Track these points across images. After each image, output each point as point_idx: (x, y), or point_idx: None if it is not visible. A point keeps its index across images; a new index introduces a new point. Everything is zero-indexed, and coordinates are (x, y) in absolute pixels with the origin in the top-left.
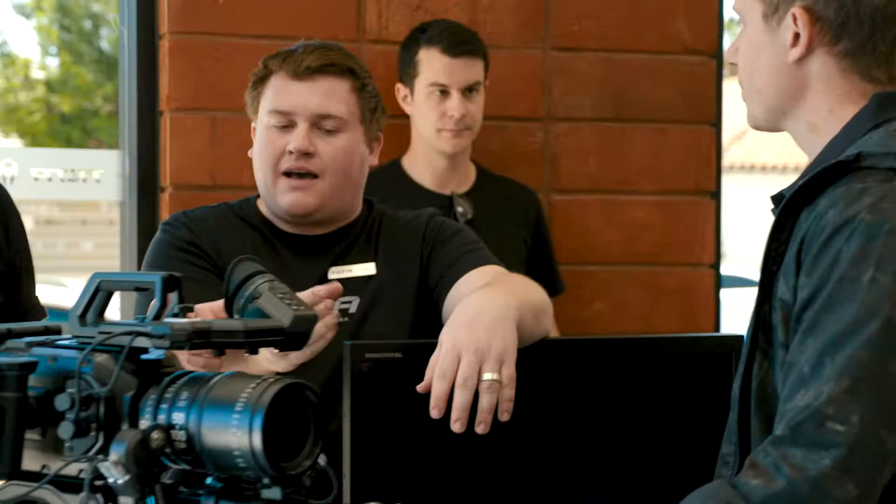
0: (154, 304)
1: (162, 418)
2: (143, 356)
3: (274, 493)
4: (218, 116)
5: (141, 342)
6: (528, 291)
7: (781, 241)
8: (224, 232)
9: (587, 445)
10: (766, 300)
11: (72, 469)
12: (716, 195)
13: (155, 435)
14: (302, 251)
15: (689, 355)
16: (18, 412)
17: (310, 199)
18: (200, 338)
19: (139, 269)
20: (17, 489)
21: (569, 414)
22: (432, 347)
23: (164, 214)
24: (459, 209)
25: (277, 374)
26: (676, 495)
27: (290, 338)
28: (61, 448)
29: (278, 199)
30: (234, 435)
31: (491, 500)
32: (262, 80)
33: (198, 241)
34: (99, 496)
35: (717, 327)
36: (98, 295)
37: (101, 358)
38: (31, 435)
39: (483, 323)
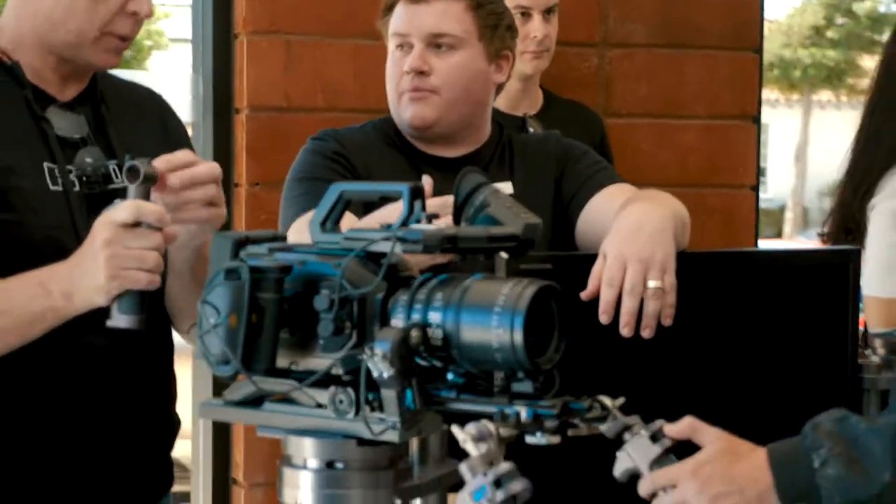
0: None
1: (417, 318)
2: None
3: (526, 386)
4: (293, 40)
5: (384, 246)
6: (676, 205)
7: None
8: (371, 150)
9: (723, 354)
10: None
11: (321, 365)
12: (757, 120)
13: (414, 333)
14: (442, 171)
15: (809, 267)
16: (277, 312)
17: (427, 110)
18: (449, 243)
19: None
20: (252, 386)
21: (702, 323)
22: (580, 259)
23: (240, 136)
24: (531, 130)
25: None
26: (802, 403)
27: (521, 244)
28: (309, 346)
29: (402, 114)
30: (495, 333)
31: (650, 402)
32: (389, 9)
33: (346, 155)
34: (350, 390)
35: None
36: (338, 205)
37: (350, 262)
38: (282, 334)
39: (645, 234)
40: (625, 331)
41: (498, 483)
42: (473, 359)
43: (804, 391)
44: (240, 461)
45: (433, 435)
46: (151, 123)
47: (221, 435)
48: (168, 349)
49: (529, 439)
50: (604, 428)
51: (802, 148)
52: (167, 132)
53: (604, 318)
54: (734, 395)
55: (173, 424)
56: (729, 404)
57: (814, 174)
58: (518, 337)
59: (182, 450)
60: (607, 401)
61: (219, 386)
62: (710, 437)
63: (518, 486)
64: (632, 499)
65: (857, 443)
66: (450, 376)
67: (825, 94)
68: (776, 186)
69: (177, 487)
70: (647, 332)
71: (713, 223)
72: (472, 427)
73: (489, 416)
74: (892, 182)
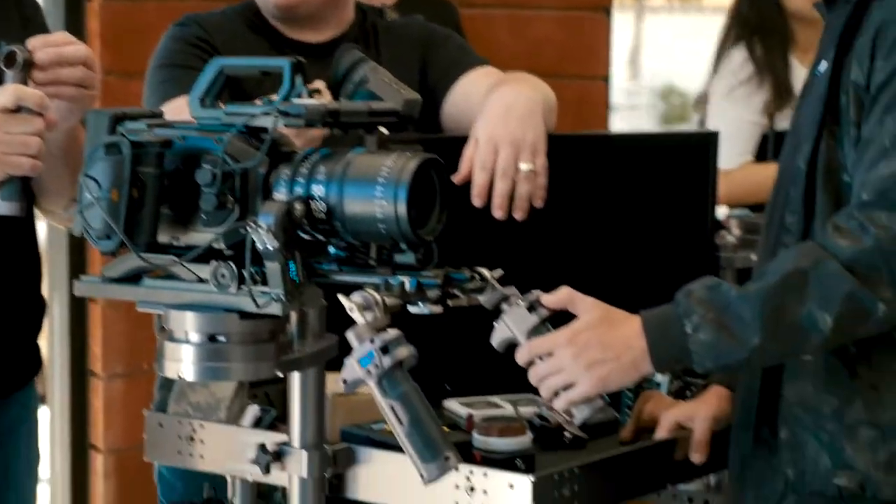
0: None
1: (300, 191)
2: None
3: (408, 258)
4: None
5: (266, 121)
6: (543, 87)
7: (851, 29)
8: (235, 35)
9: (593, 231)
10: (835, 84)
11: (203, 240)
12: (608, 12)
13: (297, 206)
14: (307, 56)
15: (670, 149)
16: (158, 187)
17: None
18: (332, 118)
19: None
20: (134, 262)
21: (571, 204)
22: (450, 142)
23: (93, 25)
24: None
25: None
26: (667, 278)
27: (402, 119)
28: (191, 222)
29: None
30: (379, 205)
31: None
32: None
33: (209, 40)
34: (231, 264)
35: None
36: (218, 80)
37: (231, 137)
38: (163, 210)
39: (515, 116)
40: (498, 213)
41: (385, 349)
42: (357, 231)
43: (668, 268)
44: (98, 352)
45: (312, 310)
46: (9, 14)
47: (78, 327)
48: (32, 229)
49: (413, 309)
50: (483, 298)
51: (635, 51)
52: (27, 20)
53: (477, 201)
54: (606, 269)
55: (41, 306)
56: (602, 278)
57: (646, 77)
58: (402, 208)
59: None
60: (486, 272)
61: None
62: (586, 307)
63: (404, 351)
64: (509, 367)
65: (727, 309)
66: (331, 250)
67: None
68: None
69: None
70: (519, 214)
71: (566, 114)
72: (357, 296)
73: (373, 287)
74: (726, 63)
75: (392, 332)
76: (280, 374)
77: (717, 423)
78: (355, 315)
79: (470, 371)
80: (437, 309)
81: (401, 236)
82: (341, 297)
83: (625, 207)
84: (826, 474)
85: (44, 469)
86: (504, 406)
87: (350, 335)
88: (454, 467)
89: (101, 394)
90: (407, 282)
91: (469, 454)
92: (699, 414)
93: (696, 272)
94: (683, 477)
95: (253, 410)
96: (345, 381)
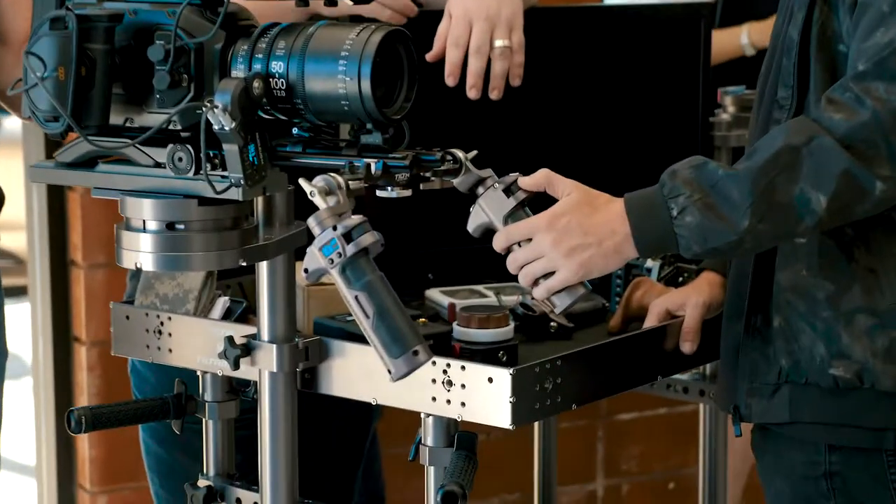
0: None
1: (259, 68)
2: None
3: (375, 138)
4: None
5: None
6: None
7: None
8: None
9: (576, 110)
10: None
11: (157, 121)
12: None
13: (255, 83)
14: None
15: (660, 21)
16: (108, 65)
17: None
18: None
19: None
20: (89, 146)
21: (552, 82)
22: (423, 17)
23: None
24: None
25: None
26: (655, 159)
27: None
28: (145, 102)
29: None
30: (342, 81)
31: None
32: None
33: None
34: (189, 147)
35: None
36: None
37: (184, 10)
38: (115, 89)
39: None
40: (472, 93)
41: (348, 236)
42: (319, 110)
43: (657, 148)
44: (77, 242)
45: (279, 195)
46: None
47: (56, 217)
48: None
49: (380, 193)
50: (456, 181)
51: None
52: None
53: (450, 80)
54: (591, 151)
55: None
56: (586, 160)
57: None
58: (366, 85)
59: (16, 241)
60: (459, 153)
61: None
62: (566, 189)
63: (369, 238)
64: (494, 254)
65: (715, 189)
66: (295, 131)
67: None
68: None
69: (13, 280)
70: (495, 94)
71: None
72: (319, 179)
73: (338, 170)
74: None
75: (355, 218)
76: (244, 264)
77: (708, 311)
78: (316, 200)
79: (453, 259)
80: (406, 192)
81: (366, 115)
82: (302, 182)
83: (611, 85)
84: (821, 364)
85: (27, 362)
86: (487, 295)
87: (311, 222)
88: (424, 362)
89: (83, 284)
90: (373, 164)
91: (449, 346)
92: (690, 301)
93: (687, 152)
94: (674, 368)
95: (222, 302)
96: (306, 271)
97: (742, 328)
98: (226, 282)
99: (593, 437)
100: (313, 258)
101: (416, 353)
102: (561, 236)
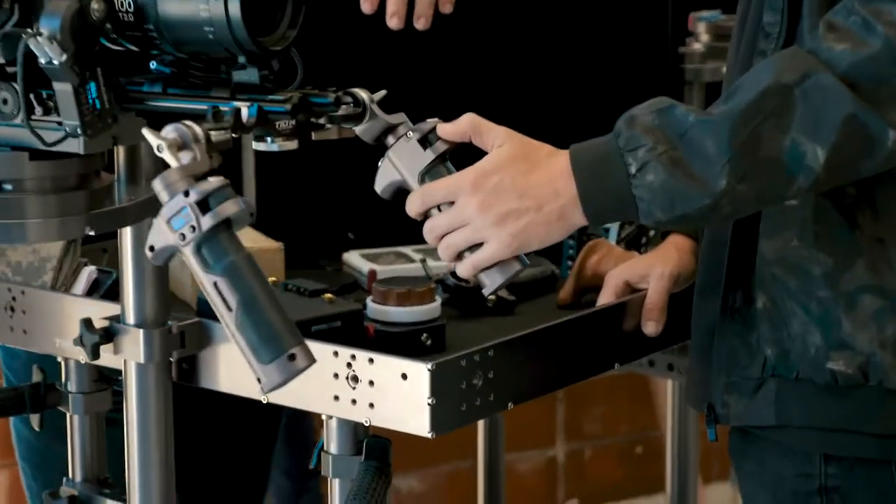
0: None
1: None
2: None
3: (250, 74)
4: None
5: None
6: None
7: None
8: None
9: (518, 43)
10: None
11: None
12: None
13: (95, 5)
14: None
15: None
16: None
17: None
18: None
19: None
20: None
21: (489, 8)
22: None
23: None
24: None
25: None
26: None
27: None
28: None
29: None
30: (204, 2)
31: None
32: None
33: None
34: (15, 86)
35: None
36: None
37: None
38: None
39: None
40: (392, 21)
41: (204, 204)
42: (178, 39)
43: (614, 86)
44: None
45: (145, 145)
46: None
47: None
48: None
49: (257, 145)
50: (359, 129)
51: None
52: None
53: (366, 5)
54: (528, 90)
55: None
56: (521, 103)
57: None
58: (234, 6)
59: None
60: (363, 94)
61: None
62: (497, 138)
63: (232, 207)
64: (398, 219)
65: (684, 139)
66: (154, 65)
67: None
68: None
69: None
70: (421, 23)
71: None
72: (169, 129)
73: (196, 117)
74: None
75: (214, 181)
76: (92, 233)
77: (676, 283)
78: (165, 156)
79: (378, 216)
80: (290, 144)
81: (236, 46)
82: (146, 133)
83: (559, 9)
84: (816, 356)
85: None
86: (416, 260)
87: (157, 185)
88: (302, 369)
89: None
90: (244, 109)
91: (361, 328)
92: (654, 271)
93: (652, 92)
94: (634, 353)
95: (87, 272)
96: (151, 249)
97: (718, 307)
98: (98, 246)
99: (552, 398)
100: (160, 232)
101: (292, 357)
102: (490, 199)
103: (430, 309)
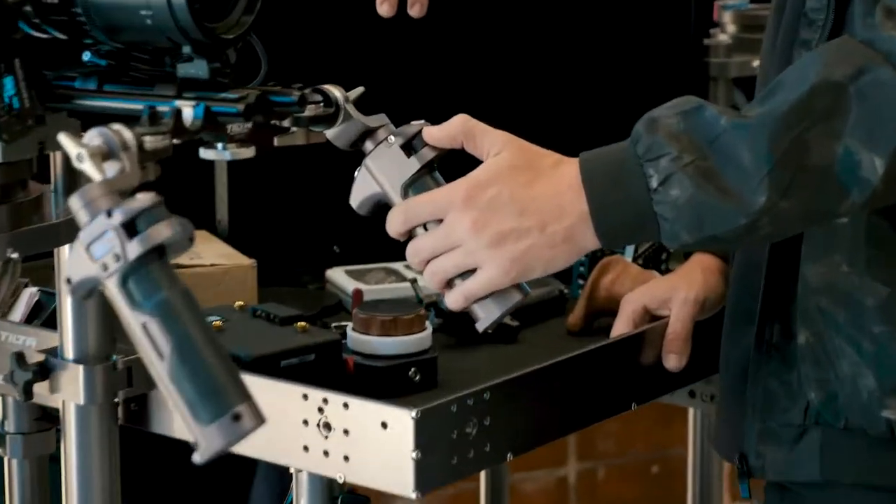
0: None
1: None
2: None
3: (198, 68)
4: None
5: None
6: None
7: None
8: None
9: (522, 27)
10: None
11: None
12: None
13: None
14: None
15: None
16: None
17: None
18: None
19: None
20: None
21: None
22: None
23: None
24: None
25: None
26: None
27: None
28: None
29: None
30: None
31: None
32: None
33: None
34: None
35: None
36: None
37: None
38: None
39: None
40: (383, 8)
41: (131, 227)
42: (110, 24)
43: (631, 84)
44: None
45: (81, 151)
46: None
47: None
48: None
49: (205, 153)
50: (332, 133)
51: None
52: None
53: None
54: (532, 89)
55: None
56: (525, 103)
57: None
58: None
59: None
60: (335, 91)
61: None
62: (494, 144)
63: (165, 230)
64: (379, 237)
65: (716, 147)
66: (87, 57)
67: None
68: None
69: None
70: (416, 9)
71: None
72: (93, 134)
73: (128, 120)
74: None
75: (143, 198)
76: (13, 255)
77: (702, 310)
78: (86, 167)
79: (366, 227)
80: (246, 152)
81: (179, 33)
82: (62, 139)
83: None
84: (869, 401)
85: None
86: (406, 277)
87: (74, 203)
88: (248, 431)
89: None
90: (187, 109)
91: (340, 362)
92: (677, 295)
93: (674, 90)
94: (653, 391)
95: (28, 295)
96: (68, 282)
97: (752, 341)
98: (45, 263)
99: None
100: (79, 261)
101: (237, 416)
102: (485, 216)
103: (420, 339)
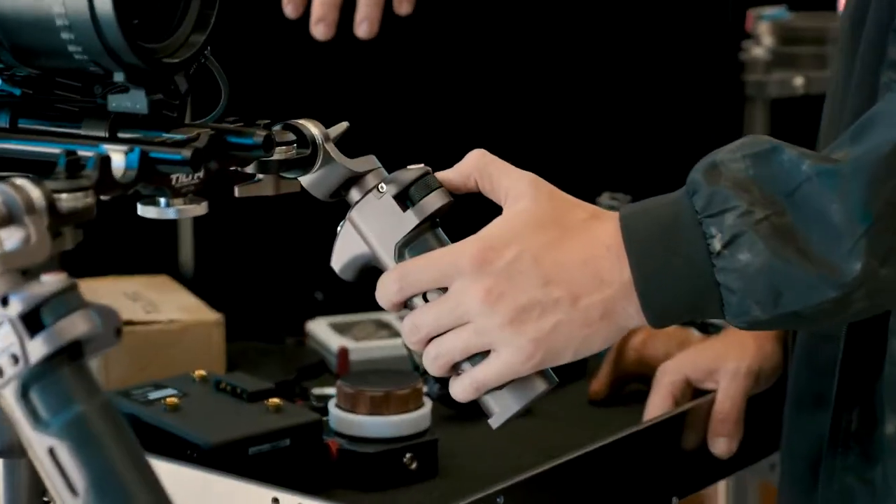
0: None
1: None
2: None
3: (135, 100)
4: None
5: None
6: None
7: None
8: None
9: (532, 56)
10: None
11: None
12: None
13: None
14: None
15: None
16: None
17: None
18: None
19: None
20: None
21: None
22: None
23: None
24: None
25: None
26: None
27: None
28: None
29: None
30: None
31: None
32: None
33: None
34: None
35: None
36: None
37: None
38: None
39: None
40: (317, 29)
41: (33, 319)
42: (20, 44)
43: (659, 107)
44: None
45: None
46: None
47: None
48: None
49: (144, 211)
50: (308, 180)
51: None
52: None
53: (288, 8)
54: (555, 120)
55: None
56: (547, 137)
57: None
58: None
59: None
60: (313, 128)
61: None
62: (516, 189)
63: (81, 323)
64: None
65: (796, 199)
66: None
67: None
68: None
69: None
70: (364, 28)
71: None
72: None
73: (52, 167)
74: None
75: (52, 281)
76: None
77: (756, 383)
78: None
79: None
80: (196, 209)
81: (107, 56)
82: None
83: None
84: None
85: None
86: (398, 331)
87: None
88: None
89: None
90: (116, 155)
91: (321, 447)
92: (725, 366)
93: (708, 111)
94: (699, 481)
95: None
96: None
97: (826, 428)
98: None
99: None
100: None
101: None
102: (502, 286)
103: (417, 418)
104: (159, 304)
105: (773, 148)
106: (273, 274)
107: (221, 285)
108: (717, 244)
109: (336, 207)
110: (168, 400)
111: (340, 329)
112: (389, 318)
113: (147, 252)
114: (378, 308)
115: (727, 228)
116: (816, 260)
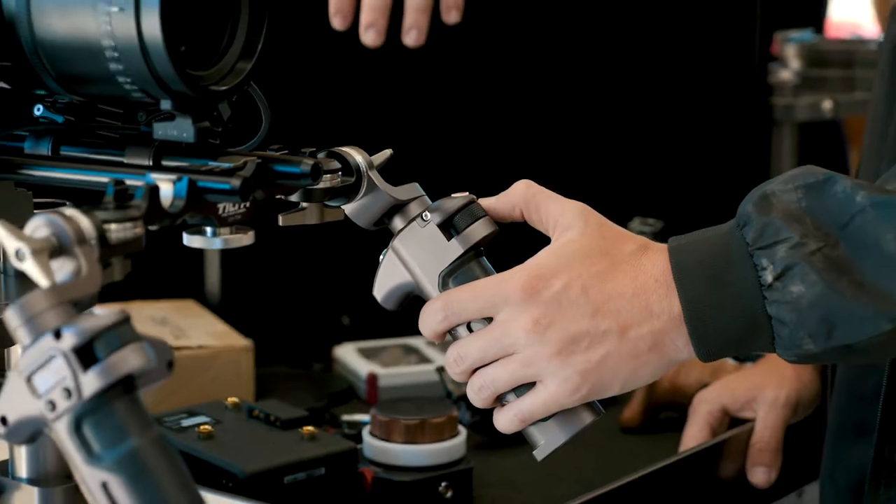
0: None
1: None
2: None
3: (181, 128)
4: None
5: None
6: None
7: None
8: None
9: (560, 77)
10: None
11: None
12: None
13: None
14: None
15: None
16: None
17: None
18: None
19: None
20: None
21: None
22: None
23: None
24: None
25: None
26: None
27: None
28: None
29: None
30: (104, 15)
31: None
32: None
33: None
34: None
35: None
36: None
37: None
38: None
39: None
40: (367, 36)
41: (87, 352)
42: (66, 72)
43: (691, 134)
44: None
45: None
46: None
47: None
48: None
49: (190, 241)
50: (352, 208)
51: None
52: None
53: (336, 20)
54: (584, 146)
55: None
56: (577, 164)
57: None
58: (151, 21)
59: None
60: (356, 155)
61: None
62: (563, 215)
63: (135, 357)
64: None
65: (850, 231)
66: (39, 111)
67: None
68: None
69: None
70: (411, 37)
71: None
72: (37, 223)
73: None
74: None
75: (105, 315)
76: None
77: (795, 413)
78: (27, 268)
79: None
80: (243, 239)
81: (155, 83)
82: None
83: (617, 33)
84: None
85: None
86: (428, 357)
87: (11, 318)
88: None
89: None
90: (165, 185)
91: (355, 475)
92: (764, 395)
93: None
94: None
95: None
96: (3, 422)
97: (869, 459)
98: None
99: None
100: (17, 395)
101: None
102: (550, 316)
103: (452, 447)
104: (187, 329)
105: (826, 178)
106: (299, 298)
107: (247, 309)
108: (768, 276)
109: (363, 231)
110: (202, 428)
111: (368, 354)
112: (417, 343)
113: (173, 276)
114: (405, 332)
115: (779, 260)
116: (871, 292)
